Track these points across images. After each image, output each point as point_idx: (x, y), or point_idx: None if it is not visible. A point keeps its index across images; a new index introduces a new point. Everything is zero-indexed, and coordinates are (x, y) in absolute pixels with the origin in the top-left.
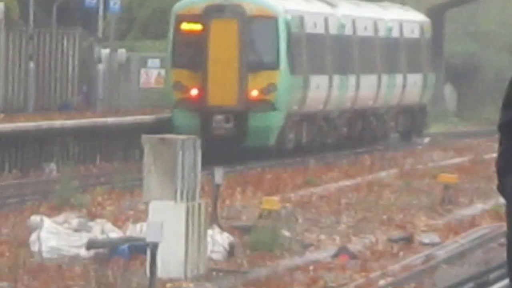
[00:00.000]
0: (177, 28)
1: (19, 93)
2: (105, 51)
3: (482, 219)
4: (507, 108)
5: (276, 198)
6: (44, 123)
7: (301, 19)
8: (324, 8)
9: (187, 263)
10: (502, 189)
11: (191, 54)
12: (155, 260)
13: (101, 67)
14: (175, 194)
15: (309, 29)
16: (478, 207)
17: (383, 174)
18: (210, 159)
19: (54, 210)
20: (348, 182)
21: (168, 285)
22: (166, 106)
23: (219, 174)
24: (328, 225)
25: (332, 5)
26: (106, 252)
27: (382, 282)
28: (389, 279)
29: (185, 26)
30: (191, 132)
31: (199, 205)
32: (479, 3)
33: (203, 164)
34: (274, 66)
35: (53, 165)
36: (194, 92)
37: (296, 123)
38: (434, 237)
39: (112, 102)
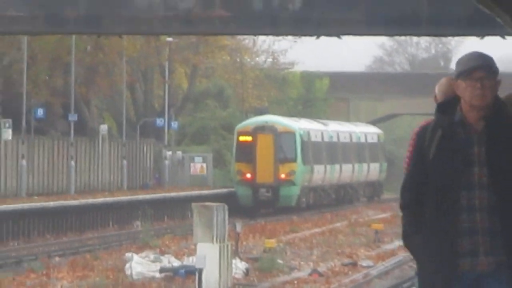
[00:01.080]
0: (238, 139)
1: (117, 178)
2: (169, 153)
3: (398, 251)
4: (404, 192)
5: (273, 240)
6: (133, 197)
7: (308, 133)
8: (321, 126)
9: (220, 280)
10: (409, 248)
11: (246, 154)
12: (201, 279)
13: (166, 162)
14: (212, 238)
15: (312, 138)
16: (396, 243)
17: (338, 224)
18: (235, 214)
19: (139, 249)
20: (317, 229)
21: None
22: (206, 185)
23: (239, 225)
24: (305, 255)
25: (325, 124)
26: (171, 275)
27: None
28: None
29: (242, 137)
30: (247, 198)
31: (227, 245)
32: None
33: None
34: (293, 160)
35: (138, 222)
36: (248, 175)
37: (306, 192)
38: (370, 262)
39: (173, 183)
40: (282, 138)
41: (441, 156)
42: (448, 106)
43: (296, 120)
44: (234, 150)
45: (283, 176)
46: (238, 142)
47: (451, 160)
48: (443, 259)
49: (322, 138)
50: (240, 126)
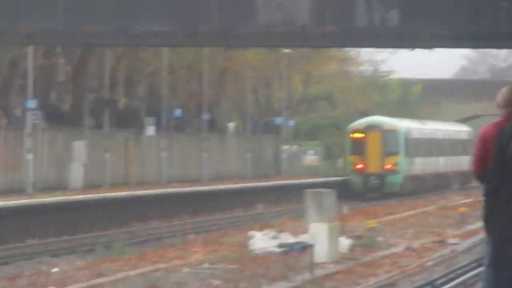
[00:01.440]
0: (352, 136)
1: (242, 168)
2: (286, 147)
3: (480, 231)
4: (485, 183)
5: (373, 220)
6: (256, 184)
7: (410, 130)
8: (420, 125)
9: (329, 254)
10: (488, 231)
11: (359, 148)
12: (313, 253)
13: (284, 155)
14: (322, 219)
15: (413, 135)
16: (478, 224)
17: (429, 208)
18: (341, 199)
19: (261, 228)
20: (411, 212)
21: (320, 266)
22: (317, 174)
23: (345, 208)
24: (401, 234)
25: (423, 123)
26: (288, 249)
27: (429, 263)
28: (432, 262)
29: (355, 134)
30: (359, 185)
31: (335, 225)
32: None
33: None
34: (397, 153)
35: (260, 206)
36: (360, 166)
37: (408, 180)
38: (456, 240)
39: (290, 173)
40: (387, 135)
41: None
42: None
43: (399, 120)
44: (348, 145)
45: (388, 166)
46: (352, 138)
47: None
48: (509, 239)
49: (421, 135)
50: (353, 125)
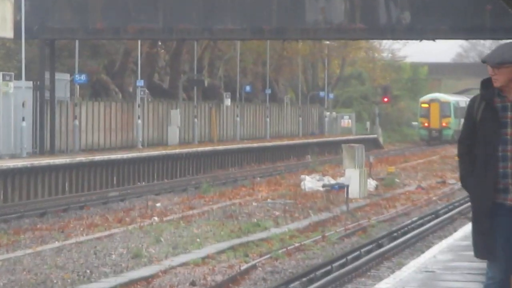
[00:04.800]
0: (420, 105)
1: (295, 129)
2: (327, 113)
3: None
4: (460, 144)
5: (393, 167)
6: (305, 140)
7: (457, 102)
8: (464, 98)
9: (360, 192)
10: (465, 187)
11: (425, 113)
12: (348, 191)
13: (326, 119)
14: (355, 166)
15: (459, 105)
16: None
17: (433, 157)
18: (369, 150)
19: (309, 173)
20: (420, 160)
21: (353, 200)
22: (351, 134)
23: (371, 158)
24: (413, 177)
25: (466, 96)
26: (329, 188)
27: (434, 198)
28: (437, 197)
29: (423, 104)
30: (425, 136)
31: (364, 170)
32: None
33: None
34: (449, 116)
35: (309, 156)
36: (426, 124)
37: (456, 133)
38: (454, 181)
39: (330, 132)
40: (443, 105)
41: (484, 120)
42: (489, 82)
43: (451, 95)
44: (418, 111)
45: (444, 124)
46: (421, 107)
47: (491, 122)
48: (486, 194)
49: (464, 104)
50: (422, 98)
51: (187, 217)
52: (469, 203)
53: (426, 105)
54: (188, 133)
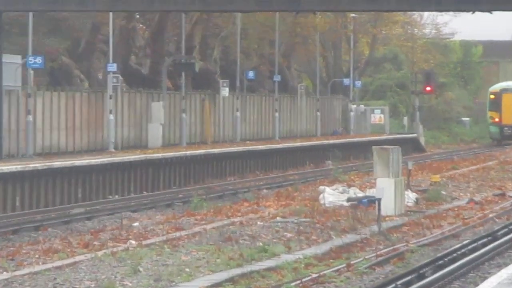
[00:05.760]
0: (490, 96)
1: (312, 127)
2: (354, 106)
3: None
4: None
5: (438, 175)
6: (325, 141)
7: None
8: None
9: (395, 207)
10: None
11: (495, 106)
12: (380, 207)
13: (352, 113)
14: (389, 174)
15: None
16: None
17: (490, 163)
18: (406, 154)
19: (330, 183)
20: (473, 167)
21: (387, 218)
22: (383, 132)
23: (410, 164)
24: (464, 188)
25: None
26: (356, 203)
27: (491, 215)
28: (494, 214)
29: (493, 96)
30: (496, 134)
31: (401, 179)
32: None
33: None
34: None
35: (329, 162)
36: (497, 119)
37: None
38: None
39: (358, 131)
40: None
41: None
42: None
43: None
44: (488, 103)
45: None
46: (490, 98)
47: None
48: None
49: None
50: (492, 88)
51: (173, 240)
52: None
53: (498, 96)
54: (174, 132)
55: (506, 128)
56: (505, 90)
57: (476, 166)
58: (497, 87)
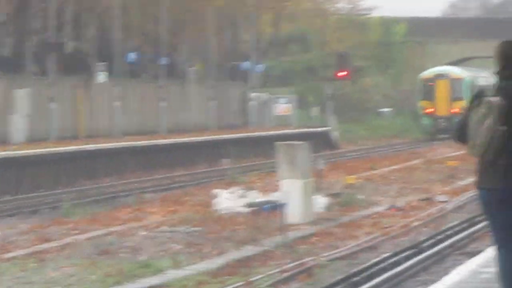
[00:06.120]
0: (423, 83)
1: (205, 118)
2: (255, 94)
3: (472, 187)
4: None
5: (353, 176)
6: (221, 136)
7: (474, 78)
8: (482, 73)
9: (303, 214)
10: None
11: (428, 94)
12: (285, 213)
13: (252, 103)
14: (295, 175)
15: (476, 82)
16: (469, 180)
17: (415, 161)
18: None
19: (227, 186)
20: (395, 167)
21: (293, 227)
22: (289, 126)
23: (321, 163)
24: (383, 191)
25: (485, 71)
26: (257, 209)
27: (415, 223)
28: (419, 222)
29: (426, 82)
30: (429, 127)
31: (310, 181)
32: None
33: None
34: (462, 98)
35: (225, 160)
36: (430, 110)
37: None
38: (445, 197)
39: (259, 123)
40: (454, 83)
41: None
42: None
43: (465, 70)
44: (419, 92)
45: (455, 110)
46: (423, 85)
47: None
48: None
49: (484, 82)
50: (424, 74)
51: (39, 253)
52: (469, 231)
53: (431, 83)
54: (41, 125)
55: (441, 120)
56: (440, 76)
57: (398, 165)
58: (430, 72)
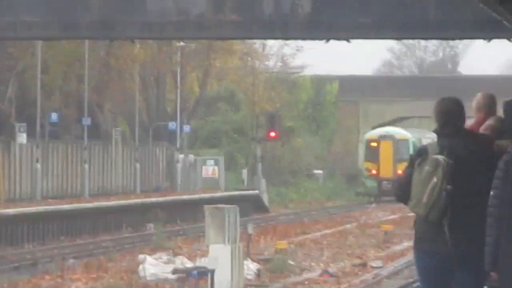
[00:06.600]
0: (367, 144)
1: (131, 181)
2: (181, 156)
3: (407, 251)
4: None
5: (284, 241)
6: (146, 199)
7: (420, 139)
8: (428, 134)
9: (232, 281)
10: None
11: (373, 155)
12: (213, 280)
13: (179, 165)
14: (224, 240)
15: (422, 143)
16: (405, 244)
17: (348, 225)
18: (246, 216)
19: (152, 251)
20: (327, 231)
21: None
22: (218, 188)
23: (251, 227)
24: (316, 256)
25: (431, 133)
26: (184, 276)
27: None
28: None
29: (370, 143)
30: (373, 188)
31: (239, 246)
32: None
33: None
34: (408, 160)
35: (151, 225)
36: (374, 171)
37: None
38: (379, 263)
39: (186, 186)
40: (399, 144)
41: None
42: None
43: (409, 131)
44: (363, 152)
45: (400, 172)
46: (367, 146)
47: None
48: None
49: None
50: (368, 135)
51: None
52: None
53: (375, 144)
54: None
55: (385, 182)
56: (383, 137)
57: (331, 229)
58: (374, 133)
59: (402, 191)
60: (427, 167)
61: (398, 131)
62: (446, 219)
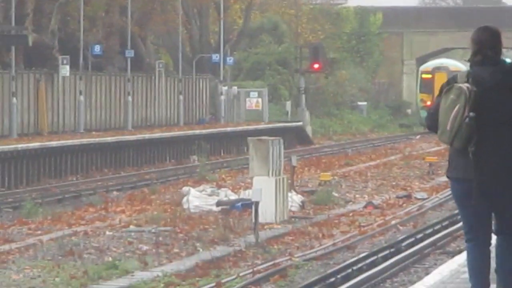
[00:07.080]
0: (421, 76)
1: (174, 113)
2: (225, 88)
3: None
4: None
5: (328, 173)
6: (190, 131)
7: None
8: None
9: (276, 213)
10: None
11: (427, 87)
12: (257, 212)
13: (222, 97)
14: (268, 172)
15: None
16: None
17: (392, 157)
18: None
19: (196, 183)
20: (372, 163)
21: (266, 226)
22: (261, 120)
23: (294, 159)
24: (360, 189)
25: None
26: (228, 208)
27: (393, 221)
28: (398, 220)
29: (424, 75)
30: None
31: (283, 178)
32: None
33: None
34: None
35: (195, 157)
36: (428, 103)
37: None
38: (424, 194)
39: (229, 119)
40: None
41: None
42: None
43: (464, 63)
44: (418, 85)
45: None
46: (422, 78)
47: None
48: None
49: None
50: (423, 67)
51: (1, 255)
52: (448, 230)
53: (429, 76)
54: (2, 121)
55: None
56: (438, 69)
57: (376, 161)
58: (429, 65)
59: (431, 120)
60: (451, 96)
61: (452, 63)
62: (472, 146)
